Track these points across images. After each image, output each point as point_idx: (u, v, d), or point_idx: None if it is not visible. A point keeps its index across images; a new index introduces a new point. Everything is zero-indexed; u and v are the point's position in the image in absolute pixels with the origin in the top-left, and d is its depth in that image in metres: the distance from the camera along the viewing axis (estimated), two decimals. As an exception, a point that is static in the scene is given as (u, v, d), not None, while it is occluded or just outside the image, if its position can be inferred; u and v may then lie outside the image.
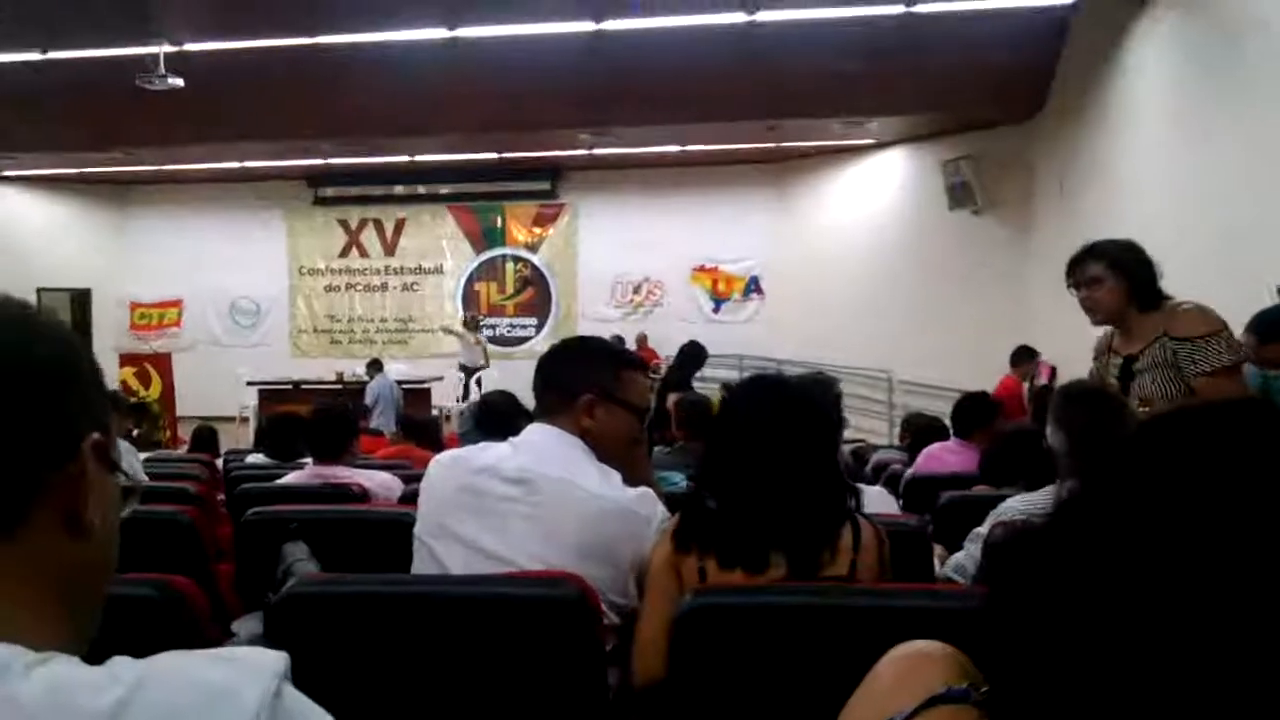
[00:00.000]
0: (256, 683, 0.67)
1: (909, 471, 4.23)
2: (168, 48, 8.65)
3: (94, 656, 0.75)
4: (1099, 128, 8.66)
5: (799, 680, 1.47)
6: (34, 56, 8.80)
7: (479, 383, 12.13)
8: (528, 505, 1.76)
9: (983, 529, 2.42)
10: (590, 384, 1.93)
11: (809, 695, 1.47)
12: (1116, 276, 3.02)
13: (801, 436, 1.79)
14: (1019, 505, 2.42)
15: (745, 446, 1.79)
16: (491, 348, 14.63)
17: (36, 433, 0.72)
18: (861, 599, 1.52)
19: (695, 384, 10.73)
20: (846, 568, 1.71)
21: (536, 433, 1.93)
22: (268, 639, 2.16)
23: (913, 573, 2.32)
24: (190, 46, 8.74)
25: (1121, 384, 3.00)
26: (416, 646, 1.54)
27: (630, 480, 1.88)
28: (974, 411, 4.50)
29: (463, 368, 12.73)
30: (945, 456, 4.22)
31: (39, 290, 14.19)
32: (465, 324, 13.39)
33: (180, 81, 8.83)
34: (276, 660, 0.70)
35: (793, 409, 1.83)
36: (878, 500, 2.58)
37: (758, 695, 1.49)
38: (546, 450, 1.86)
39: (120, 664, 0.68)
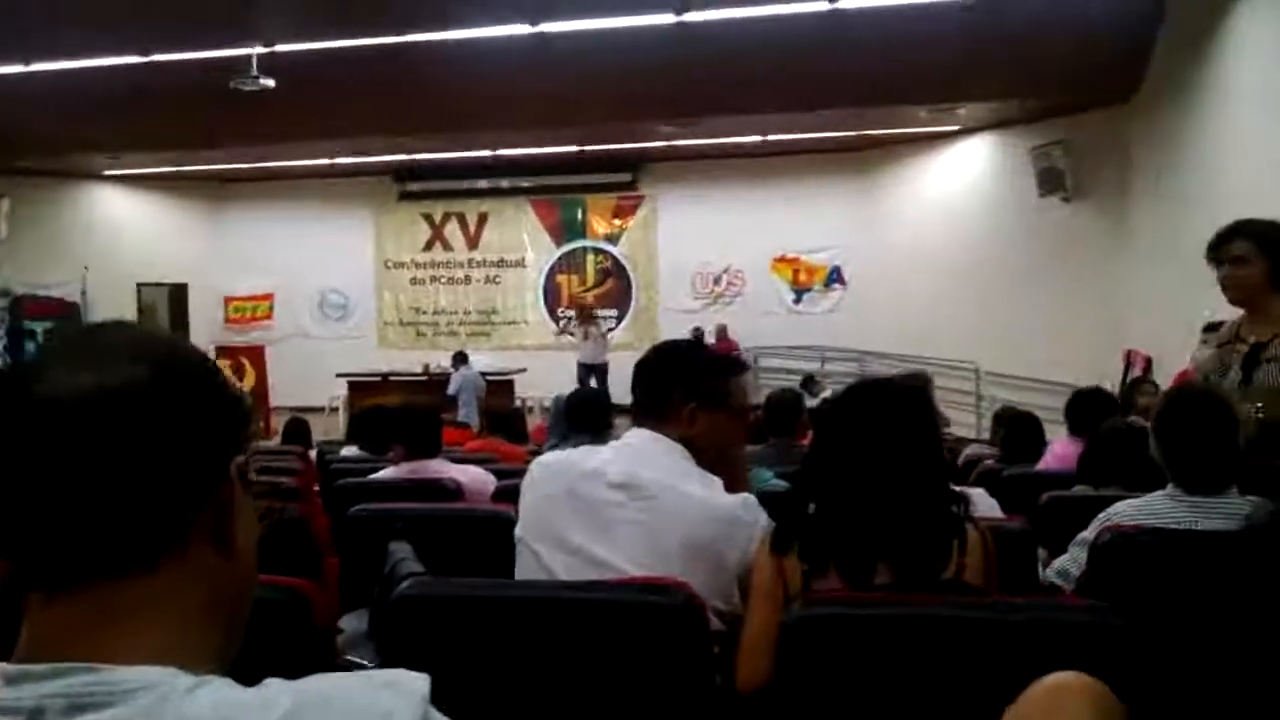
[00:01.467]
0: (410, 707, 0.69)
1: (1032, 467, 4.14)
2: (260, 49, 8.87)
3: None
4: (1198, 111, 8.36)
5: (907, 692, 1.46)
6: (135, 60, 9.09)
7: (602, 378, 12.08)
8: (634, 510, 1.77)
9: (1089, 533, 2.36)
10: (693, 392, 1.93)
11: (917, 708, 1.46)
12: (1262, 257, 2.92)
13: (906, 442, 1.77)
14: (1127, 510, 2.35)
15: (850, 453, 1.78)
16: (573, 340, 14.74)
17: (199, 459, 0.76)
18: (972, 611, 1.50)
19: (776, 377, 10.67)
20: (952, 574, 1.69)
21: (638, 437, 1.93)
22: (375, 637, 2.22)
23: (1017, 577, 2.28)
24: (281, 47, 8.94)
25: (1245, 372, 2.90)
26: (524, 651, 1.56)
27: (730, 486, 1.88)
28: (1089, 407, 4.39)
29: (583, 365, 12.68)
30: (1060, 452, 4.12)
31: (138, 285, 14.74)
32: (578, 319, 13.41)
33: (272, 82, 9.05)
34: (424, 684, 0.73)
35: (897, 413, 1.81)
36: (980, 503, 2.53)
37: (864, 707, 1.48)
38: (650, 456, 1.86)
39: (275, 686, 0.71)
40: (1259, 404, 2.80)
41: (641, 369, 2.04)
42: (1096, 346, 9.03)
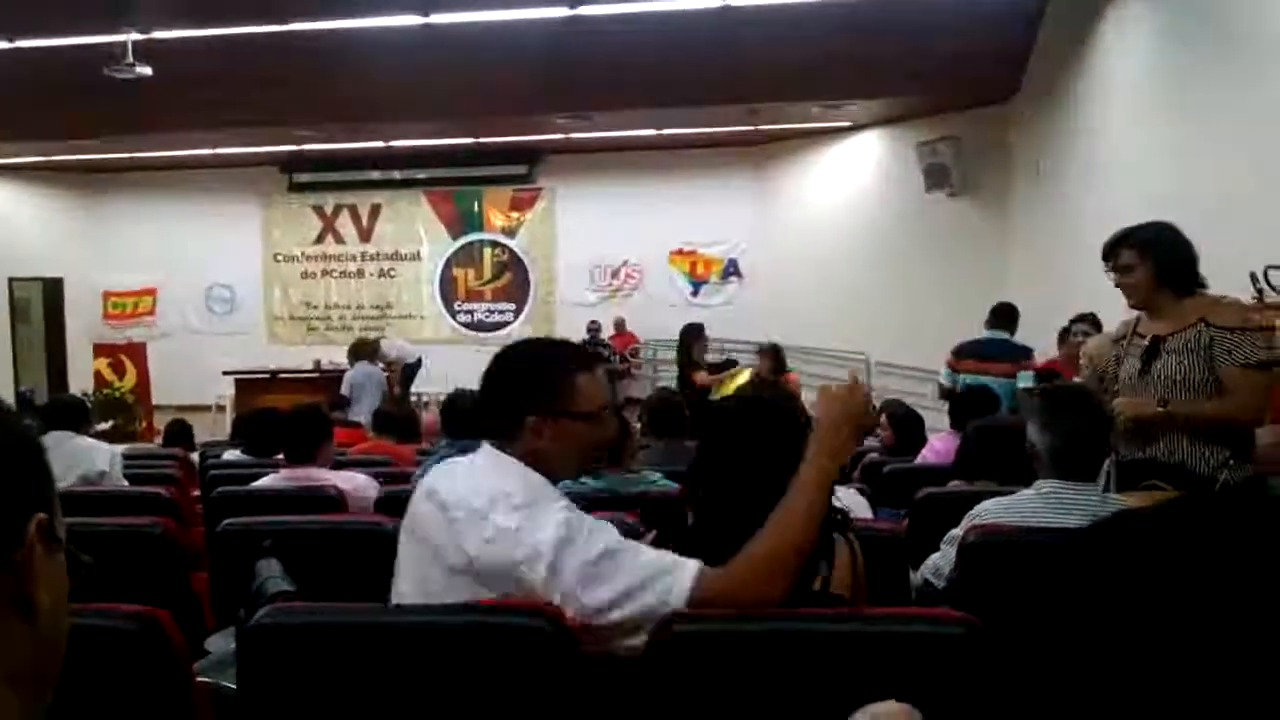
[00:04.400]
0: None
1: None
2: (136, 35, 8.52)
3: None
4: (1076, 109, 8.67)
5: (773, 707, 1.47)
6: (2, 45, 8.65)
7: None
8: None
9: (959, 531, 2.43)
10: (533, 403, 1.80)
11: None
12: (1145, 262, 3.10)
13: (777, 457, 1.78)
14: (994, 508, 2.42)
15: (725, 466, 1.79)
16: (467, 334, 14.60)
17: None
18: (832, 624, 1.52)
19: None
20: (819, 585, 1.71)
21: (482, 455, 1.84)
22: (240, 663, 2.15)
23: (888, 579, 2.33)
24: (159, 34, 8.61)
25: (1144, 363, 3.05)
26: (386, 679, 1.52)
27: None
28: (971, 403, 4.52)
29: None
30: (938, 447, 4.23)
31: (10, 280, 14.06)
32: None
33: (149, 70, 8.70)
34: None
35: (769, 428, 1.82)
36: (849, 503, 2.56)
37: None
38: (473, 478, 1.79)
39: None
40: (1160, 394, 2.95)
41: (483, 379, 1.91)
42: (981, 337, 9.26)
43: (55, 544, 0.76)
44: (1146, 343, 3.11)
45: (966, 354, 6.64)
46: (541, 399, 1.80)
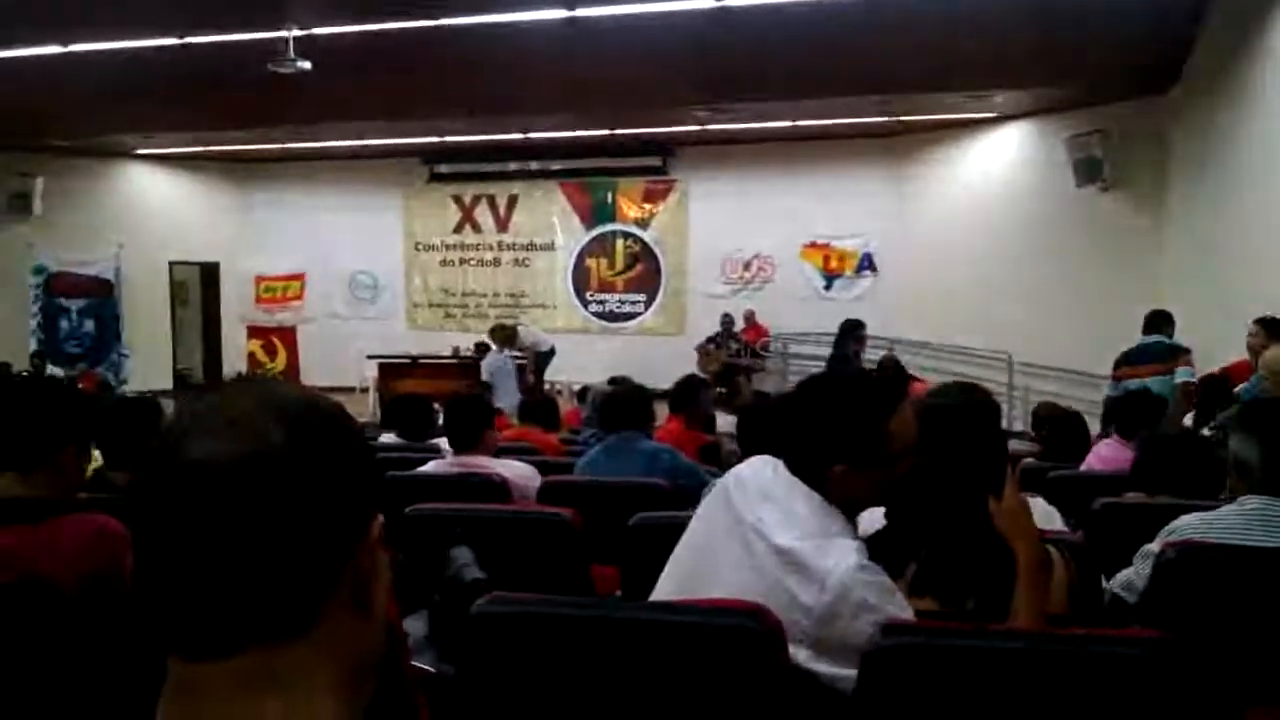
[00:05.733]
0: None
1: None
2: (296, 32, 8.86)
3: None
4: (1244, 102, 8.23)
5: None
6: (171, 41, 9.11)
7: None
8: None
9: (1154, 546, 2.34)
10: (843, 453, 1.70)
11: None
12: None
13: (982, 463, 1.75)
14: (1195, 523, 2.32)
15: (931, 476, 1.75)
16: (601, 323, 14.76)
17: (342, 519, 0.75)
18: (1059, 645, 1.48)
19: (807, 364, 10.61)
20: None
21: (792, 496, 1.72)
22: (437, 643, 2.23)
23: (1081, 592, 2.26)
24: (317, 30, 8.93)
25: None
26: (601, 671, 1.56)
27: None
28: (1138, 409, 4.35)
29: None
30: (1107, 455, 4.08)
31: (170, 263, 14.83)
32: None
33: (308, 65, 9.05)
34: None
35: (970, 435, 1.79)
36: (1040, 512, 2.48)
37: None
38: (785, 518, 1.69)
39: None
40: None
41: (788, 418, 1.83)
42: (1132, 339, 8.89)
43: (384, 545, 0.80)
44: None
45: (1122, 362, 6.78)
46: (851, 450, 1.71)
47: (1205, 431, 4.77)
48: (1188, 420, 5.61)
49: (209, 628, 0.70)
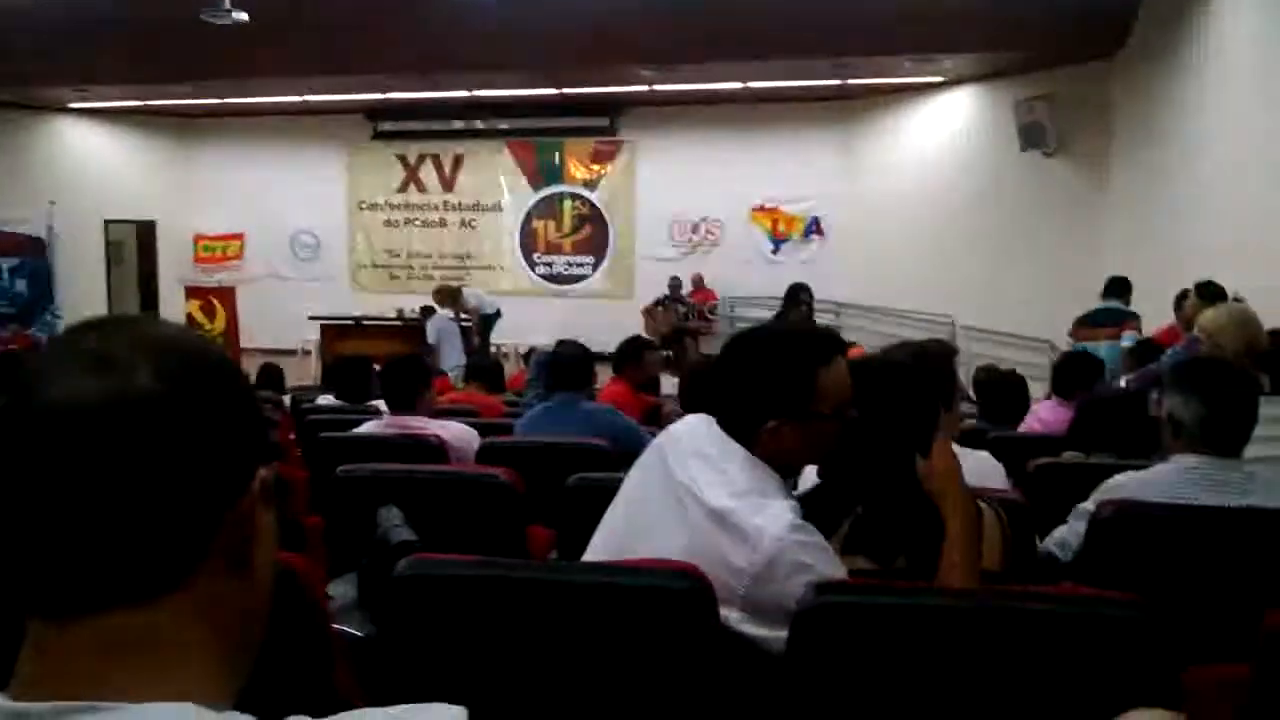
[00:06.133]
0: None
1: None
2: (233, -19, 8.60)
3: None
4: (1183, 70, 8.31)
5: (921, 684, 1.43)
6: (101, -10, 8.81)
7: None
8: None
9: (1089, 504, 2.34)
10: (775, 407, 1.64)
11: (932, 700, 1.43)
12: None
13: (917, 420, 1.72)
14: (1128, 482, 2.33)
15: (865, 435, 1.72)
16: (548, 286, 14.64)
17: (222, 468, 0.69)
18: (996, 601, 1.46)
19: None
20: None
21: (725, 456, 1.66)
22: (366, 607, 2.17)
23: (1015, 549, 2.26)
24: (254, -20, 8.67)
25: None
26: (528, 632, 1.51)
27: None
28: (1076, 371, 4.39)
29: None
30: (1045, 416, 4.11)
31: (106, 221, 14.43)
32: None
33: (245, 16, 8.79)
34: (461, 717, 0.68)
35: (909, 391, 1.76)
36: (983, 469, 2.47)
37: (879, 698, 1.44)
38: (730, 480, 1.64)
39: None
40: None
41: (716, 374, 1.76)
42: (1075, 303, 9.00)
43: (270, 501, 0.74)
44: None
45: (1079, 325, 7.01)
46: (781, 404, 1.64)
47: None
48: (1123, 382, 5.69)
49: (69, 585, 0.64)
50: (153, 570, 0.66)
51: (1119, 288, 7.24)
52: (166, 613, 0.66)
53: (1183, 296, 6.23)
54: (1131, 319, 6.76)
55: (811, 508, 1.67)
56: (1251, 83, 7.10)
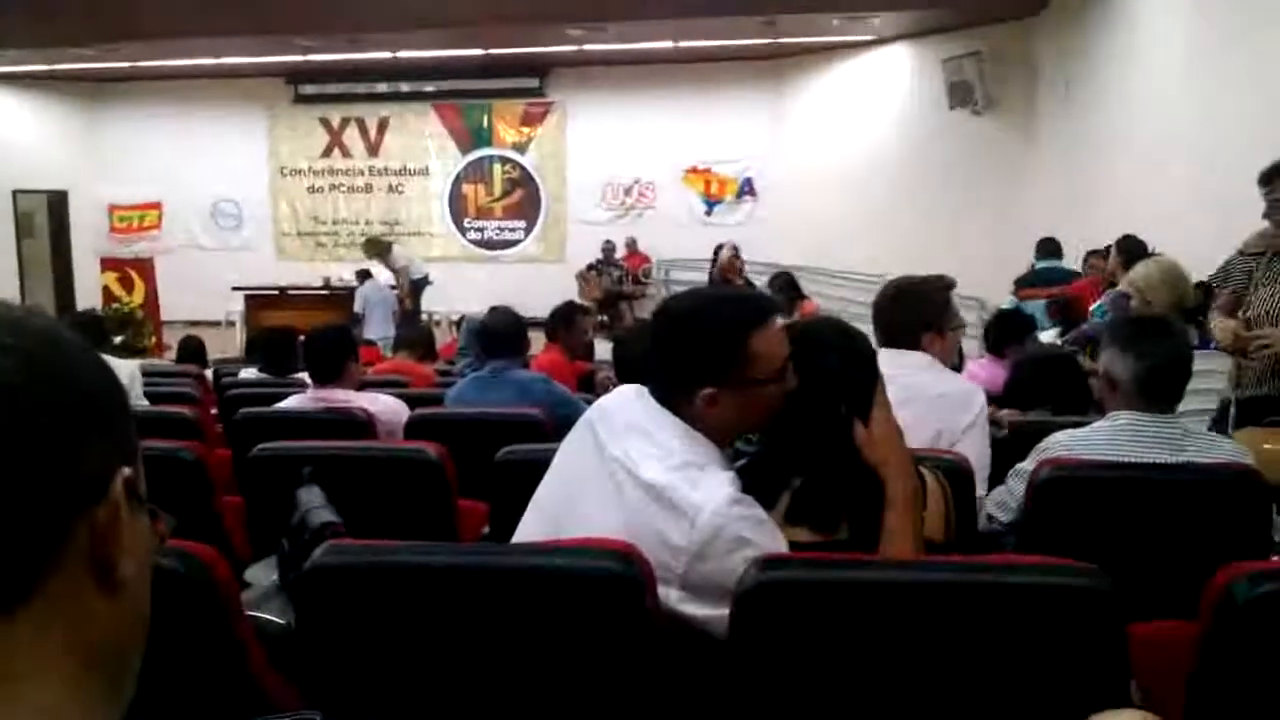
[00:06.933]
0: None
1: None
2: (137, -63, 8.21)
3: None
4: (1107, 26, 8.37)
5: (870, 659, 1.38)
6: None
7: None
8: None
9: (1027, 464, 2.32)
10: (707, 374, 1.56)
11: (881, 675, 1.38)
12: None
13: (854, 387, 1.67)
14: (1065, 439, 2.31)
15: (805, 400, 1.65)
16: (480, 251, 14.42)
17: (62, 471, 0.59)
18: (940, 573, 1.41)
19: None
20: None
21: (657, 426, 1.59)
22: (286, 591, 2.07)
23: (959, 518, 2.23)
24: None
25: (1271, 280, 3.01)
26: (452, 620, 1.43)
27: None
28: (1008, 327, 4.42)
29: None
30: (977, 373, 4.11)
31: (14, 192, 13.84)
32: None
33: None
34: None
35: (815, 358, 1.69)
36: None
37: (825, 674, 1.39)
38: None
39: None
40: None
41: (653, 340, 1.67)
42: (1003, 260, 9.10)
43: (139, 503, 0.65)
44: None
45: (1028, 283, 7.13)
46: (713, 371, 1.57)
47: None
48: (1051, 336, 5.76)
49: None
50: None
51: (1053, 247, 7.36)
52: (16, 634, 0.57)
53: (1094, 253, 6.42)
54: (1077, 277, 6.87)
55: (751, 478, 1.61)
56: (1174, 39, 7.17)
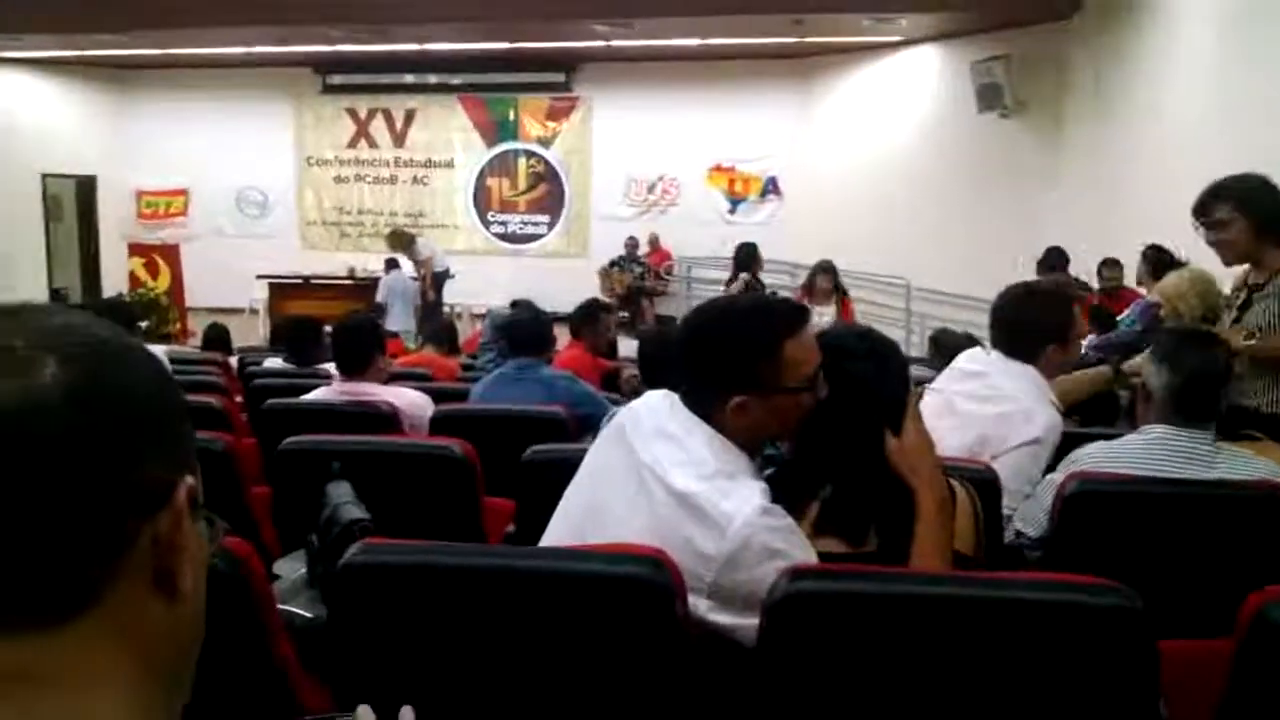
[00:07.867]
0: None
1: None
2: (171, -74, 8.27)
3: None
4: (1140, 30, 8.31)
5: (898, 673, 1.38)
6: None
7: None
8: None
9: (1057, 476, 2.31)
10: (739, 382, 1.56)
11: (911, 688, 1.38)
12: (1245, 216, 2.94)
13: (885, 400, 1.66)
14: (1096, 453, 2.30)
15: (835, 412, 1.65)
16: (503, 245, 14.45)
17: (123, 480, 0.60)
18: (972, 589, 1.41)
19: (710, 289, 10.54)
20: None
21: (687, 431, 1.59)
22: (316, 585, 2.08)
23: (986, 527, 2.22)
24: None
25: (1240, 313, 2.97)
26: (486, 621, 1.44)
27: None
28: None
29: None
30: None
31: (44, 176, 13.96)
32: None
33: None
34: None
35: (881, 369, 1.69)
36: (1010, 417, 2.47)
37: (854, 685, 1.39)
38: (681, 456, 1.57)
39: None
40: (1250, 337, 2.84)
41: (681, 346, 1.69)
42: (1027, 266, 9.04)
43: (197, 512, 0.66)
44: (1246, 291, 2.99)
45: None
46: (746, 379, 1.56)
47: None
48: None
49: None
50: (50, 591, 0.57)
51: (1055, 259, 7.38)
52: (69, 642, 0.58)
53: (1106, 263, 6.39)
54: (1085, 288, 6.82)
55: (780, 487, 1.61)
56: (1208, 45, 7.11)
